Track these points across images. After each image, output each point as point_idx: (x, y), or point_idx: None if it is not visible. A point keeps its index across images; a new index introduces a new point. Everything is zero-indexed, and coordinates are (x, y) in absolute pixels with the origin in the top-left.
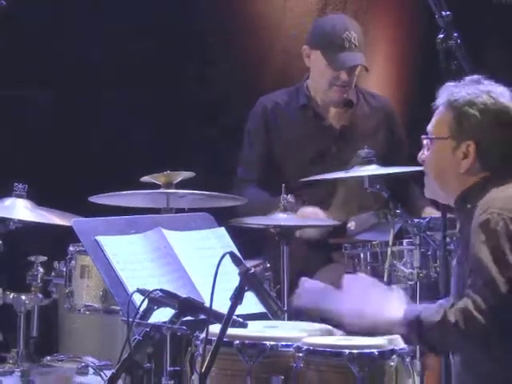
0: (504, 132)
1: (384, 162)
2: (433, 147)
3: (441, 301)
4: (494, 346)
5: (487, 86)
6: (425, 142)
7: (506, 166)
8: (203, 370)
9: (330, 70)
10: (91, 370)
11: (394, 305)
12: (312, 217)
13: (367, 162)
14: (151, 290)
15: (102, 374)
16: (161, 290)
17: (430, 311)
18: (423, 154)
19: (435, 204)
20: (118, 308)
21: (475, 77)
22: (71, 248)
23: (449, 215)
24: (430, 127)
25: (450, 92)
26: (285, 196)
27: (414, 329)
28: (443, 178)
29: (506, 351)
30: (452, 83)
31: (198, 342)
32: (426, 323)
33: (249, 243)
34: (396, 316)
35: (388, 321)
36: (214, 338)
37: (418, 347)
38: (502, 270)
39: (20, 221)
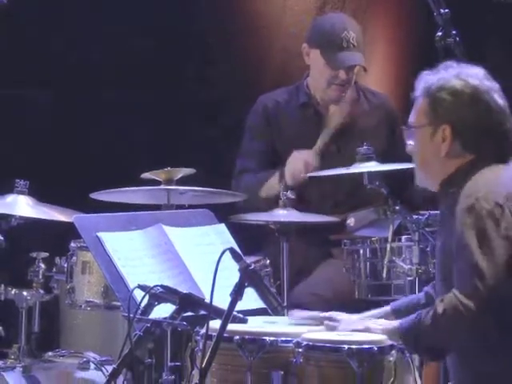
0: (476, 112)
1: (383, 160)
2: (415, 137)
3: (426, 288)
4: (483, 330)
5: (457, 68)
6: (407, 133)
7: (488, 148)
8: (203, 366)
9: (328, 68)
10: (92, 366)
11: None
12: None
13: (367, 158)
14: (152, 285)
15: (103, 369)
16: (161, 286)
17: (423, 314)
18: (409, 146)
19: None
20: (118, 304)
21: (448, 62)
22: (72, 244)
23: None
24: (410, 118)
25: (424, 81)
26: (285, 192)
27: (411, 338)
28: (427, 165)
29: (502, 345)
30: (426, 71)
31: (199, 338)
32: (421, 330)
33: (249, 239)
34: (391, 327)
35: (385, 331)
36: (214, 334)
37: None
38: (488, 255)
39: (21, 217)
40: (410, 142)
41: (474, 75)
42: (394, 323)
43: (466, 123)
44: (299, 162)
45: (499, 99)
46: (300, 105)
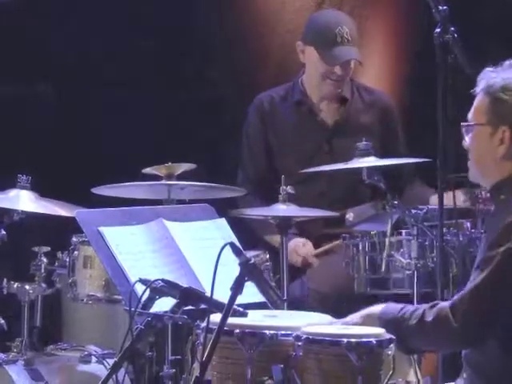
0: None
1: (379, 157)
2: (472, 133)
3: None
4: (472, 347)
5: None
6: (464, 129)
7: None
8: (204, 359)
9: (324, 64)
10: (94, 359)
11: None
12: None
13: (365, 153)
14: (153, 279)
15: (104, 362)
16: (162, 280)
17: (408, 313)
18: (465, 142)
19: None
20: (120, 298)
21: None
22: (74, 239)
23: (445, 206)
24: (470, 114)
25: (487, 78)
26: (284, 187)
27: (390, 329)
28: (483, 164)
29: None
30: (490, 69)
31: (199, 331)
32: (404, 327)
33: (249, 234)
34: (373, 311)
35: (367, 315)
36: (214, 327)
37: None
38: (506, 273)
39: (24, 212)
40: (466, 139)
41: None
42: (375, 310)
43: None
44: (298, 258)
45: None
46: (294, 102)
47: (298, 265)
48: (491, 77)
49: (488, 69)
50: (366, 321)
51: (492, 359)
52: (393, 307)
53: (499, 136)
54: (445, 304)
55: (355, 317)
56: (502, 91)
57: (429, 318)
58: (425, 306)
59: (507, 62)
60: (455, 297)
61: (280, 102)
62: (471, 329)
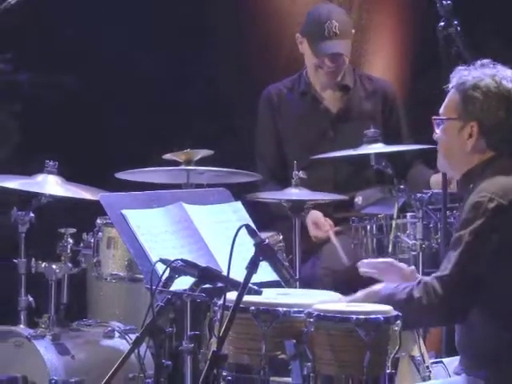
0: (505, 114)
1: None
2: (443, 127)
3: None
4: (456, 321)
5: (493, 69)
6: (436, 122)
7: (509, 147)
8: (221, 334)
9: (315, 56)
10: (117, 334)
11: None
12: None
13: (374, 140)
14: (173, 259)
15: (127, 337)
16: (182, 260)
17: (401, 288)
18: (436, 134)
19: None
20: (141, 276)
21: (485, 61)
22: (98, 221)
23: (449, 190)
24: (441, 108)
25: (459, 75)
26: (296, 172)
27: (385, 304)
28: (452, 156)
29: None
30: (462, 67)
31: (216, 308)
32: (395, 301)
33: (263, 216)
34: (375, 288)
35: (368, 293)
36: (231, 305)
37: None
38: (477, 251)
39: (51, 195)
40: (437, 131)
41: (509, 78)
42: (377, 287)
43: (494, 124)
44: (317, 232)
45: None
46: (300, 93)
47: (316, 236)
48: (463, 75)
49: (460, 67)
50: (369, 297)
51: (481, 336)
52: (391, 284)
53: (468, 131)
54: (428, 278)
55: (360, 294)
56: (473, 89)
57: (416, 293)
58: (413, 283)
59: (479, 62)
60: (437, 273)
61: (287, 94)
62: (456, 298)
